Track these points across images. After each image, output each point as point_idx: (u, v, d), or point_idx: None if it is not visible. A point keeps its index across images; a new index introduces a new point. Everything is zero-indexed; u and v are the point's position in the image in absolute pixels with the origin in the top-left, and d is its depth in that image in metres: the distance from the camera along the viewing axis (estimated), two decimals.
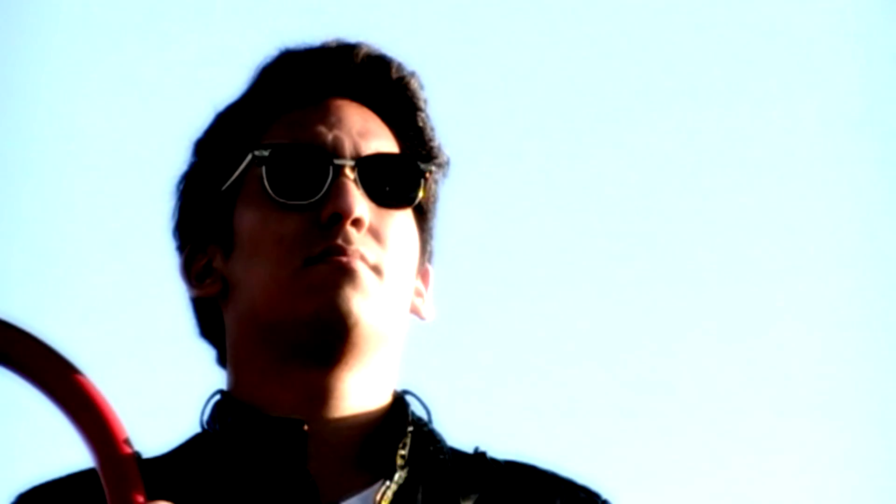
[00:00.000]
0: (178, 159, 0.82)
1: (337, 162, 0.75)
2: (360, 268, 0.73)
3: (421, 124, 0.82)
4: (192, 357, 0.86)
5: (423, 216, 0.81)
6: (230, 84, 0.82)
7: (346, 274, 0.72)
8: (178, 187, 0.82)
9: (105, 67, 2.72)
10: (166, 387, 2.17)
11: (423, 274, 0.83)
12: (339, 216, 0.73)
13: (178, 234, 0.81)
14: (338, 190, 0.74)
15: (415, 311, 0.81)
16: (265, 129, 0.79)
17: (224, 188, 0.78)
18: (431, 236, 0.83)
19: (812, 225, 2.89)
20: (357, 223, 0.74)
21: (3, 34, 2.46)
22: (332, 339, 0.73)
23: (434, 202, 0.82)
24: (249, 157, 0.77)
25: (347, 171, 0.75)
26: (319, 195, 0.74)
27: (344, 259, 0.72)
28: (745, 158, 2.91)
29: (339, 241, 0.73)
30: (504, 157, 2.73)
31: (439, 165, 0.82)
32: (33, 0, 2.52)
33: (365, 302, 0.72)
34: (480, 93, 2.75)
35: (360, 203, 0.74)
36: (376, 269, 0.74)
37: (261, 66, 0.81)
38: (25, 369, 0.62)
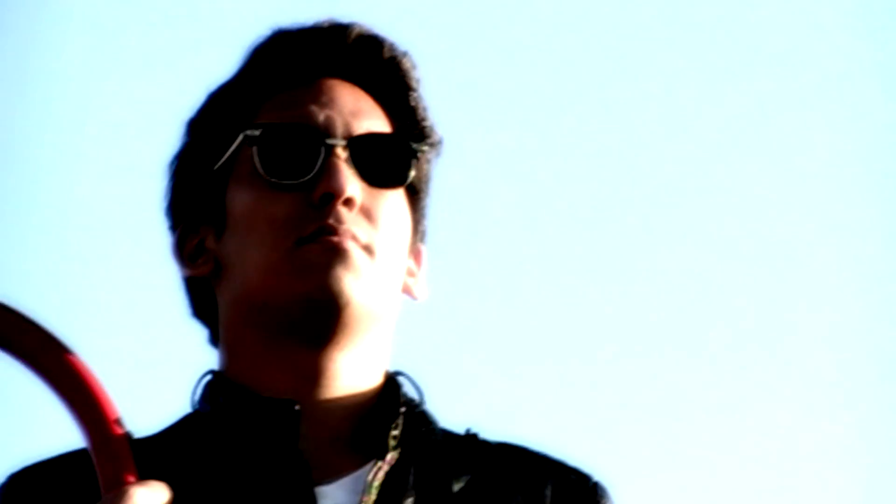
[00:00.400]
0: (167, 140, 0.82)
1: (329, 142, 0.75)
2: (351, 248, 0.73)
3: (413, 104, 0.82)
4: (184, 337, 0.86)
5: (415, 196, 0.81)
6: (227, 64, 0.82)
7: (337, 254, 0.72)
8: (170, 167, 0.82)
9: (99, 49, 2.70)
10: (158, 366, 2.17)
11: (416, 254, 0.83)
12: (331, 196, 0.73)
13: (170, 214, 0.81)
14: (329, 170, 0.74)
15: (407, 290, 0.82)
16: (257, 109, 0.79)
17: (216, 168, 0.78)
18: (424, 216, 0.83)
19: (808, 222, 2.90)
20: (349, 203, 0.74)
21: None
22: (323, 318, 0.73)
23: (426, 182, 0.82)
24: (241, 136, 0.77)
25: (339, 151, 0.75)
26: (311, 175, 0.74)
27: (335, 239, 0.72)
28: (746, 154, 2.91)
29: (331, 221, 0.73)
30: (502, 139, 2.73)
31: (432, 145, 0.82)
32: None
33: (357, 282, 0.72)
34: (476, 73, 2.74)
35: (351, 182, 0.74)
36: (368, 249, 0.74)
37: (253, 46, 0.81)
38: (16, 348, 0.62)
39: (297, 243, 0.73)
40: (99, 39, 2.70)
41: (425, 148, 0.81)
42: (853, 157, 2.78)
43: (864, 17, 2.70)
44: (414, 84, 0.82)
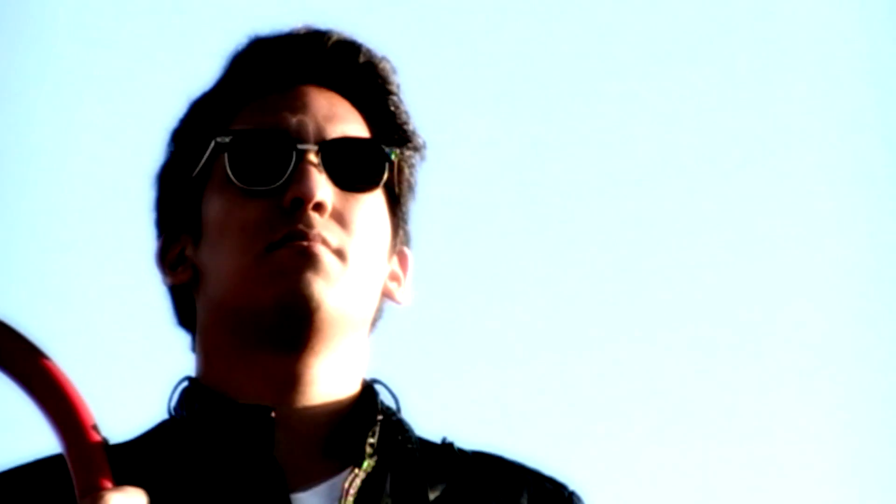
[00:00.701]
0: (157, 149, 0.83)
1: (300, 147, 0.75)
2: (321, 251, 0.72)
3: (392, 108, 0.81)
4: (163, 343, 0.86)
5: (395, 200, 0.80)
6: (212, 68, 0.83)
7: (307, 258, 0.72)
8: (155, 178, 0.82)
9: (89, 58, 2.69)
10: (135, 373, 2.15)
11: (402, 258, 0.83)
12: (301, 201, 0.73)
13: (155, 223, 0.82)
14: (299, 175, 0.74)
15: (389, 294, 0.81)
16: (233, 116, 0.79)
17: (193, 176, 0.78)
18: (406, 220, 0.82)
19: (810, 220, 2.90)
20: (319, 207, 0.73)
21: None
22: (295, 324, 0.72)
23: (407, 186, 0.82)
24: (213, 144, 0.77)
25: (311, 156, 0.75)
26: (282, 180, 0.74)
27: (305, 243, 0.72)
28: (741, 156, 2.91)
29: (300, 226, 0.73)
30: (481, 143, 2.72)
31: (413, 149, 0.82)
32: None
33: (327, 286, 0.72)
34: (459, 78, 2.74)
35: (322, 187, 0.73)
36: (339, 253, 0.73)
37: (231, 54, 0.81)
38: None
39: (267, 249, 0.73)
40: (85, 41, 2.68)
41: (404, 152, 0.81)
42: (847, 153, 2.79)
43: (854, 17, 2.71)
44: (392, 88, 0.82)
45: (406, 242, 0.84)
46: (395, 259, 0.82)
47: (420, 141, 0.83)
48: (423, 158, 0.83)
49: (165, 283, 0.80)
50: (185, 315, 0.80)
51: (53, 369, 0.61)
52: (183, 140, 0.80)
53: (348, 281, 0.74)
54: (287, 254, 0.72)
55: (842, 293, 2.77)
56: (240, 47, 0.81)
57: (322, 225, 0.73)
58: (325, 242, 0.73)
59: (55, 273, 2.52)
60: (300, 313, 0.72)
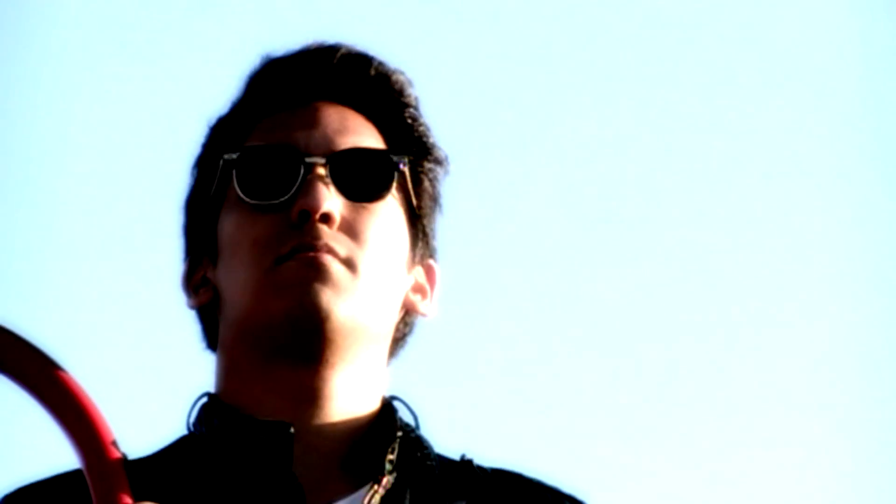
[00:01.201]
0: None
1: (308, 160, 0.75)
2: (329, 262, 0.72)
3: (409, 120, 0.81)
4: (185, 361, 0.86)
5: (413, 211, 0.80)
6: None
7: (314, 269, 0.71)
8: (182, 203, 0.82)
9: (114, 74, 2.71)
10: (155, 389, 2.16)
11: (428, 271, 0.82)
12: (308, 213, 0.72)
13: (182, 248, 0.82)
14: (307, 187, 0.73)
15: (411, 307, 0.81)
16: (246, 135, 0.79)
17: (210, 197, 0.79)
18: (428, 233, 0.82)
19: (809, 220, 2.89)
20: (327, 219, 0.73)
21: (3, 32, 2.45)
22: (307, 335, 0.72)
23: (428, 198, 0.81)
24: (221, 162, 0.78)
25: (319, 169, 0.74)
26: (290, 194, 0.74)
27: (312, 255, 0.72)
28: (741, 152, 2.90)
29: (308, 238, 0.72)
30: (495, 155, 2.71)
31: (434, 161, 0.82)
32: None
33: (336, 296, 0.71)
34: (474, 88, 2.74)
35: (329, 199, 0.73)
36: (349, 263, 0.73)
37: (245, 76, 0.82)
38: (11, 369, 0.62)
39: (276, 262, 0.72)
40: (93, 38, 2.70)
41: (423, 163, 0.80)
42: (852, 152, 2.78)
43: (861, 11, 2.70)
44: (407, 101, 0.81)
45: (431, 255, 0.83)
46: (419, 271, 0.82)
47: (441, 153, 0.82)
48: (446, 171, 0.83)
49: (189, 306, 0.80)
50: (212, 337, 0.80)
51: (72, 384, 0.62)
52: (201, 163, 0.81)
53: (359, 291, 0.73)
54: (294, 266, 0.72)
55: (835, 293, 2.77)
56: (252, 68, 0.81)
57: (330, 236, 0.73)
58: (333, 253, 0.72)
59: (76, 286, 2.53)
60: (310, 325, 0.71)
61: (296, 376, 0.74)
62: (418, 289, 0.81)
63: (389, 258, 0.76)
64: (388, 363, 0.82)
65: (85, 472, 0.60)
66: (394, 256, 0.77)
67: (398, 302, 0.79)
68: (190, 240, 0.81)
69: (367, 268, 0.74)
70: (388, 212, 0.77)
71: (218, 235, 0.78)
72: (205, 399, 0.78)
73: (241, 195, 0.75)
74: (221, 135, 0.81)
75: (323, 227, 0.73)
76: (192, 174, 0.82)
